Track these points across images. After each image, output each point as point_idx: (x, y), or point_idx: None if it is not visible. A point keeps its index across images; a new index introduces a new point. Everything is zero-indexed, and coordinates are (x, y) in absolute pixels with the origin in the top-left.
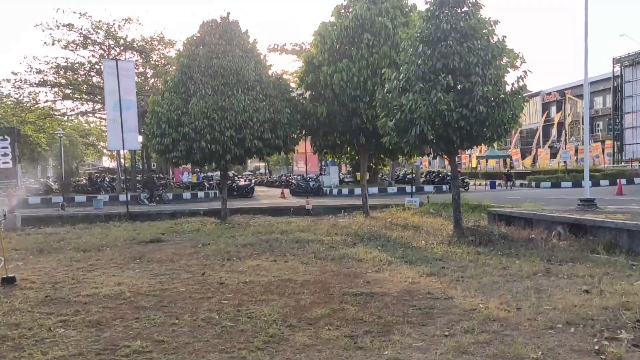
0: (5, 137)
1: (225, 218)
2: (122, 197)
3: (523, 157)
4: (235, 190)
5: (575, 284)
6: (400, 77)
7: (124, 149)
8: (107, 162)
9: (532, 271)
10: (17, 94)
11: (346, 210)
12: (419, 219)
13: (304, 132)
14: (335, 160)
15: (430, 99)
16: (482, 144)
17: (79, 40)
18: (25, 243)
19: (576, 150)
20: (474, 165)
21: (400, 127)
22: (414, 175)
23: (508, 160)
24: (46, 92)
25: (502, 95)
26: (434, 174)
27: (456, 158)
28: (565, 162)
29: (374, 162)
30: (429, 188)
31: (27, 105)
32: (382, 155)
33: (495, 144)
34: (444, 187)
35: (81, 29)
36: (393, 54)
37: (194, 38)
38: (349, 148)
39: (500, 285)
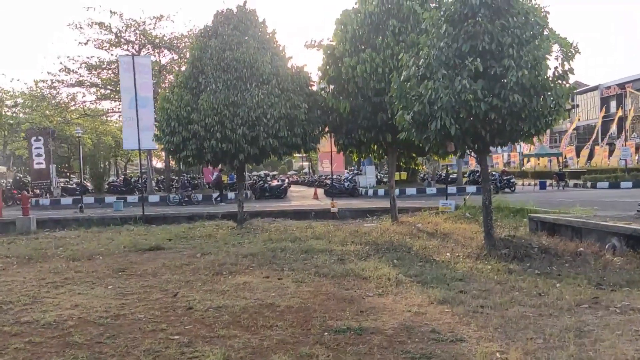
0: (39, 137)
1: (242, 222)
2: (152, 198)
3: (578, 155)
4: (268, 192)
5: (631, 322)
6: (420, 63)
7: (140, 149)
8: (158, 163)
9: (576, 300)
10: (50, 94)
11: (375, 213)
12: (451, 225)
13: (325, 129)
14: (371, 159)
15: (454, 88)
16: (519, 141)
17: (111, 39)
18: (22, 249)
19: (637, 148)
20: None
21: (419, 121)
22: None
23: (561, 158)
24: (83, 93)
25: (541, 81)
26: (477, 174)
27: (503, 156)
28: (625, 160)
29: (403, 161)
30: (471, 188)
31: (65, 105)
32: (413, 154)
33: (536, 140)
34: None
35: (112, 27)
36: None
37: (207, 29)
38: (375, 146)
39: (529, 321)
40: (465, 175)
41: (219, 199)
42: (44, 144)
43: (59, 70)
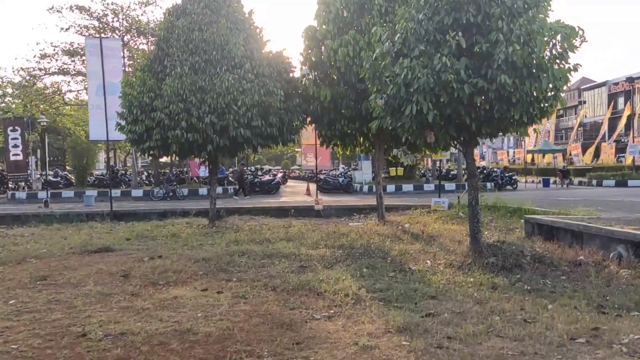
0: (16, 127)
1: (214, 220)
2: (136, 193)
3: (584, 152)
4: (258, 187)
5: None
6: (396, 39)
7: (107, 140)
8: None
9: (570, 332)
10: (29, 82)
11: (364, 211)
12: (441, 225)
13: (307, 119)
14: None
15: (433, 66)
16: (511, 131)
17: (95, 25)
18: None
19: None
20: (527, 160)
21: (394, 106)
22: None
23: (567, 155)
24: (68, 82)
25: (536, 60)
26: (478, 170)
27: (508, 152)
28: (633, 157)
29: (392, 156)
30: None
31: (50, 95)
32: (402, 147)
33: (532, 132)
34: (489, 184)
35: (94, 12)
36: None
37: (176, 8)
38: (361, 138)
39: None
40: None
41: (236, 195)
42: (20, 134)
43: (34, 57)
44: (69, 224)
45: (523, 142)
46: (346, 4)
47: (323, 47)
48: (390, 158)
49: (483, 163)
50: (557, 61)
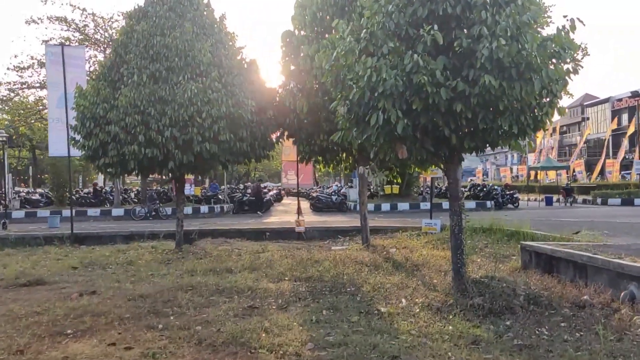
0: None
1: (181, 244)
2: (117, 212)
3: (589, 169)
4: (246, 205)
5: None
6: (361, 35)
7: (69, 155)
8: None
9: None
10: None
11: (349, 233)
12: (429, 251)
13: (285, 133)
14: (329, 170)
15: (403, 66)
16: (500, 144)
17: (77, 37)
18: None
19: None
20: (531, 177)
21: (358, 115)
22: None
23: (570, 172)
24: None
25: (526, 58)
26: (478, 188)
27: (512, 169)
28: (638, 175)
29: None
30: (470, 204)
31: (31, 109)
32: (371, 164)
33: (527, 145)
34: (489, 203)
35: (76, 23)
36: None
37: (137, 10)
38: (344, 154)
39: None
40: (466, 190)
41: (259, 211)
42: None
43: (8, 69)
44: (23, 248)
45: (526, 159)
46: (323, 6)
47: (302, 54)
48: (390, 177)
49: (487, 180)
50: (553, 60)
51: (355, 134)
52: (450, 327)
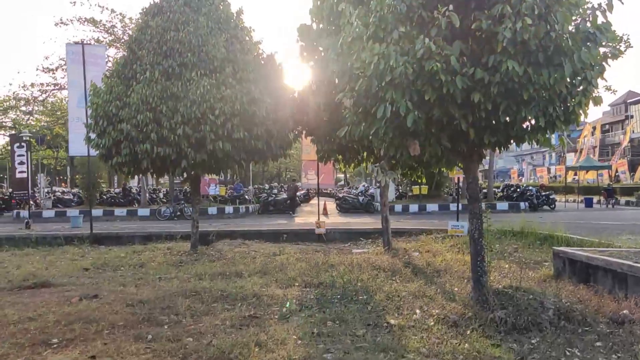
0: (22, 144)
1: (196, 246)
2: (142, 212)
3: (632, 169)
4: (272, 205)
5: None
6: (371, 19)
7: (89, 155)
8: None
9: None
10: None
11: (372, 236)
12: (453, 255)
13: (303, 131)
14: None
15: (414, 52)
16: (527, 140)
17: (107, 38)
18: None
19: None
20: (569, 177)
21: (365, 107)
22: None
23: (613, 172)
24: None
25: (556, 40)
26: (511, 188)
27: (550, 170)
28: None
29: (403, 173)
30: (503, 206)
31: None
32: (413, 163)
33: (559, 141)
34: (523, 204)
35: (104, 24)
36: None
37: (152, 6)
38: (364, 153)
39: None
40: (499, 190)
41: (292, 212)
42: (26, 150)
43: (37, 70)
44: (43, 247)
45: (565, 159)
46: None
47: (319, 48)
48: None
49: (522, 181)
50: (588, 44)
51: (362, 129)
52: (466, 345)
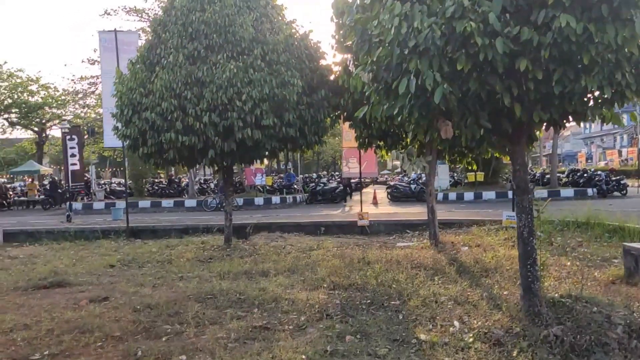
0: (73, 136)
1: (230, 240)
2: (189, 203)
3: None
4: (320, 195)
5: None
6: None
7: (124, 147)
8: None
9: None
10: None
11: (419, 227)
12: (506, 251)
13: (341, 116)
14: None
15: (444, 11)
16: (589, 116)
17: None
18: None
19: None
20: None
21: (386, 82)
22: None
23: None
24: None
25: None
26: (578, 173)
27: (620, 152)
28: None
29: (450, 159)
30: (568, 192)
31: None
32: (462, 149)
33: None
34: (591, 190)
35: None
36: None
37: None
38: (407, 139)
39: None
40: (564, 175)
41: (344, 201)
42: (77, 143)
43: (82, 61)
44: (81, 241)
45: (638, 140)
46: None
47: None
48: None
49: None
50: None
51: (386, 106)
52: None
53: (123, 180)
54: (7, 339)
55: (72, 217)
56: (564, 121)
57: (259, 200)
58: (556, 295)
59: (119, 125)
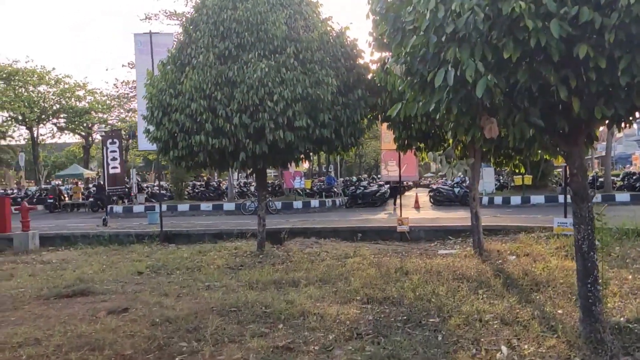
0: (114, 140)
1: (262, 246)
2: (228, 207)
3: None
4: (360, 199)
5: None
6: None
7: (158, 150)
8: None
9: None
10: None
11: (463, 234)
12: (559, 262)
13: (379, 116)
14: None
15: None
16: None
17: None
18: None
19: None
20: None
21: (421, 75)
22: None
23: None
24: None
25: None
26: (634, 177)
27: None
28: None
29: (496, 162)
30: (623, 197)
31: None
32: (509, 151)
33: None
34: None
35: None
36: None
37: None
38: (450, 140)
39: None
40: (618, 179)
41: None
42: (119, 147)
43: (122, 66)
44: (114, 246)
45: None
46: None
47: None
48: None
49: None
50: None
51: (422, 103)
52: None
53: (164, 184)
54: (13, 356)
55: (109, 221)
56: (631, 117)
57: (298, 204)
58: (622, 319)
59: (150, 127)
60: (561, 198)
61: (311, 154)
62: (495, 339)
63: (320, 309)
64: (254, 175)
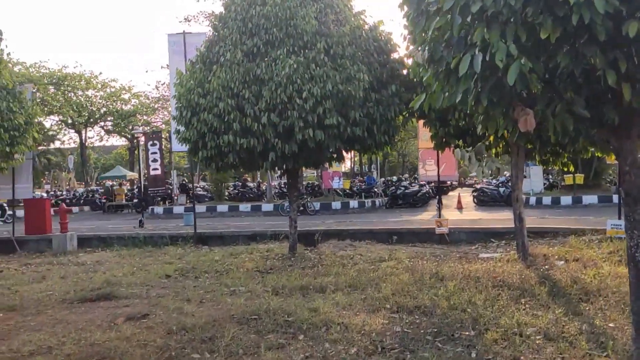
0: (155, 142)
1: (294, 249)
2: (266, 207)
3: None
4: (400, 199)
5: None
6: None
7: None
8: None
9: None
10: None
11: (506, 236)
12: (612, 268)
13: (415, 113)
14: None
15: None
16: None
17: None
18: None
19: None
20: None
21: (446, 62)
22: None
23: None
24: None
25: None
26: None
27: None
28: None
29: (542, 160)
30: None
31: None
32: (556, 148)
33: None
34: None
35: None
36: None
37: None
38: (491, 137)
39: None
40: None
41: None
42: (159, 148)
43: (162, 67)
44: (149, 247)
45: None
46: None
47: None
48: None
49: None
50: None
51: (445, 95)
52: None
53: (207, 185)
54: None
55: (149, 222)
56: None
57: (336, 205)
58: None
59: (181, 128)
60: (616, 198)
61: (344, 153)
62: (537, 357)
63: (345, 318)
64: (285, 175)
